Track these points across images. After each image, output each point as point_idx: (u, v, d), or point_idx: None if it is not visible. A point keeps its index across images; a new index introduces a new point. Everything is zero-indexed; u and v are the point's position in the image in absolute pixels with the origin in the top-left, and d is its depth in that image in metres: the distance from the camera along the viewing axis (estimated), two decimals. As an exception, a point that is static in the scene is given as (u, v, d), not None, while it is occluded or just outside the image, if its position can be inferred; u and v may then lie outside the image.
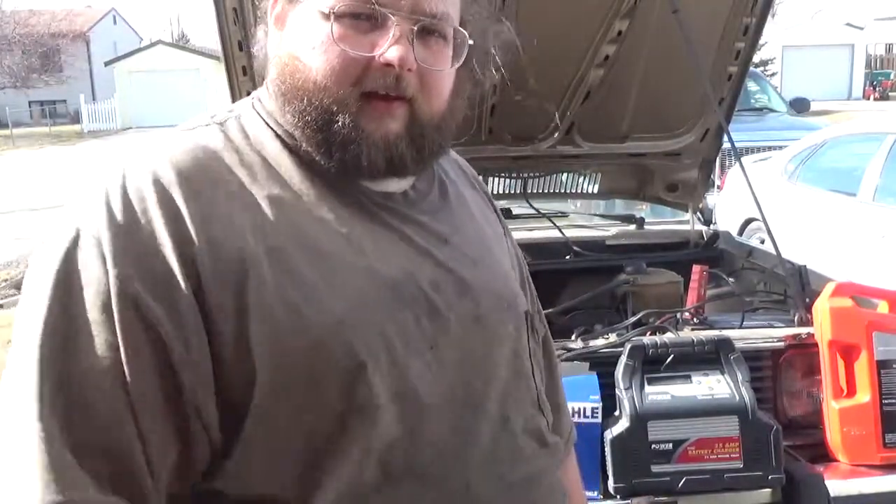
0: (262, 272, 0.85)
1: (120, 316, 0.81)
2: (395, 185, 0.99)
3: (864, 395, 1.97)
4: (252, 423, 0.85)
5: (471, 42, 0.97)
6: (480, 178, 1.23)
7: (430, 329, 0.93)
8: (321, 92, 0.91)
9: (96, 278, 0.82)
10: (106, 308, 0.81)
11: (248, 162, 0.93)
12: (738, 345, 1.98)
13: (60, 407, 0.80)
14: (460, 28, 0.97)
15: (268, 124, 0.97)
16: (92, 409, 0.80)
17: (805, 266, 2.39)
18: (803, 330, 2.10)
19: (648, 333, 2.11)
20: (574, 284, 2.80)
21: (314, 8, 0.92)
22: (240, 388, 0.85)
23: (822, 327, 2.03)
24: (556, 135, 2.98)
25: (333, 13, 0.91)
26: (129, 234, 0.84)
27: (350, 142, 0.91)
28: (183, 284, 0.83)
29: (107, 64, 35.00)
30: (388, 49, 0.90)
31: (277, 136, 0.96)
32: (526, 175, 3.28)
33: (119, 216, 0.84)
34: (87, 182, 0.90)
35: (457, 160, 1.18)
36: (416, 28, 0.91)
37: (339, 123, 0.91)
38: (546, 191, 3.39)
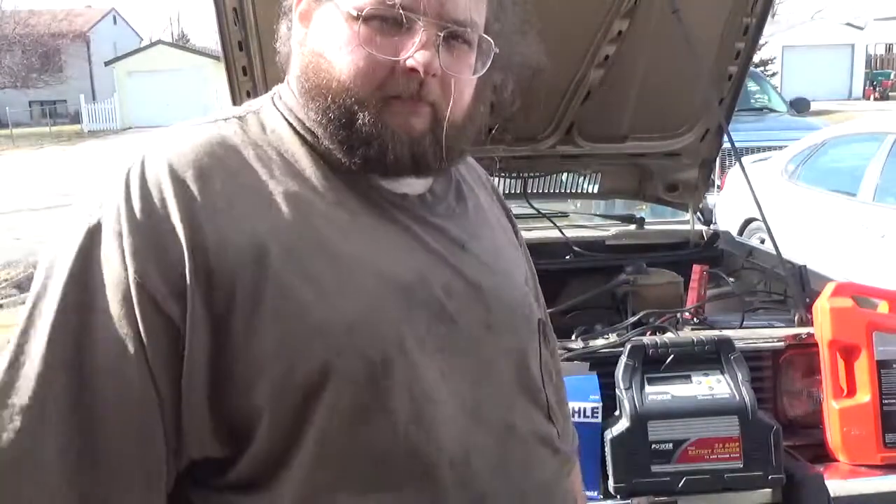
0: (275, 272, 0.85)
1: (141, 311, 0.81)
2: (412, 188, 0.99)
3: (864, 395, 1.97)
4: (261, 424, 0.85)
5: (496, 51, 0.97)
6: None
7: (441, 334, 0.92)
8: (344, 91, 0.91)
9: (117, 273, 0.82)
10: (127, 303, 0.82)
11: (265, 157, 0.93)
12: (738, 345, 1.98)
13: (78, 401, 0.81)
14: (486, 36, 0.96)
15: (287, 119, 0.97)
16: (118, 403, 0.81)
17: (805, 266, 2.39)
18: (803, 330, 2.10)
19: (648, 333, 2.11)
20: (574, 284, 2.80)
21: (342, 8, 0.92)
22: (246, 390, 0.84)
23: (822, 327, 2.03)
24: (556, 135, 2.98)
25: (361, 16, 0.90)
26: (146, 231, 0.83)
27: (373, 137, 0.91)
28: (197, 283, 0.83)
29: (107, 64, 34.99)
30: (414, 54, 0.90)
31: (296, 131, 0.96)
32: (526, 175, 3.28)
33: (138, 211, 0.84)
34: (110, 170, 0.89)
35: (474, 166, 1.18)
36: (442, 34, 0.91)
37: (361, 120, 0.91)
38: (546, 191, 3.39)
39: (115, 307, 0.82)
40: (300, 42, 0.97)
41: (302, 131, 0.96)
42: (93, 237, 0.84)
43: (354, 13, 0.91)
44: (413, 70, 0.90)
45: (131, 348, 0.81)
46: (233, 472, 0.87)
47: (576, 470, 1.21)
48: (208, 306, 0.83)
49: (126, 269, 0.82)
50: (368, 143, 0.91)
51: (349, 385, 0.85)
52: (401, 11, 0.90)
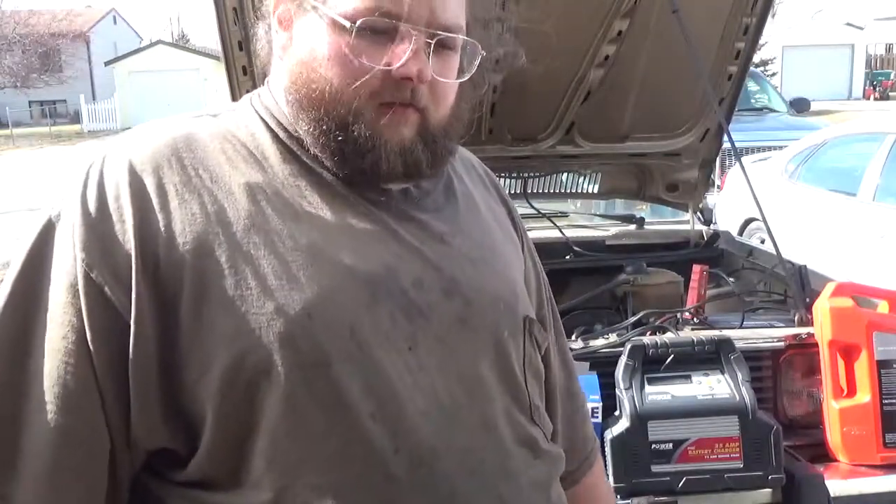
0: (223, 263, 0.86)
1: (86, 299, 0.84)
2: (394, 184, 0.98)
3: (864, 395, 1.97)
4: (208, 416, 0.85)
5: (483, 53, 0.97)
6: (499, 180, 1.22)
7: (408, 328, 0.90)
8: (338, 103, 0.91)
9: (67, 261, 0.86)
10: (73, 290, 0.85)
11: (230, 150, 0.94)
12: (739, 345, 1.98)
13: (12, 379, 0.85)
14: (471, 39, 0.97)
15: (262, 118, 0.98)
16: (56, 388, 0.84)
17: (805, 266, 2.39)
18: (803, 330, 2.10)
19: (648, 333, 2.12)
20: (574, 284, 2.81)
21: (329, 18, 0.92)
22: (196, 380, 0.85)
23: (822, 327, 2.03)
24: (556, 135, 2.98)
25: (355, 27, 0.90)
26: (98, 223, 0.87)
27: (368, 150, 0.92)
28: (144, 274, 0.85)
29: (107, 64, 35.01)
30: (407, 64, 0.90)
31: (270, 130, 0.97)
32: (526, 175, 3.28)
33: (92, 205, 0.88)
34: (78, 167, 0.93)
35: (472, 161, 1.17)
36: (433, 42, 0.92)
37: (357, 132, 0.91)
38: (546, 191, 3.39)
39: (61, 294, 0.85)
40: (283, 47, 0.97)
41: (275, 128, 0.96)
42: (51, 227, 0.89)
43: (346, 24, 0.90)
44: (406, 78, 0.91)
45: (72, 335, 0.84)
46: (191, 466, 0.87)
47: (597, 468, 1.21)
48: (156, 296, 0.85)
49: (75, 259, 0.85)
50: (363, 155, 0.92)
51: (297, 378, 0.84)
52: (391, 21, 0.90)
